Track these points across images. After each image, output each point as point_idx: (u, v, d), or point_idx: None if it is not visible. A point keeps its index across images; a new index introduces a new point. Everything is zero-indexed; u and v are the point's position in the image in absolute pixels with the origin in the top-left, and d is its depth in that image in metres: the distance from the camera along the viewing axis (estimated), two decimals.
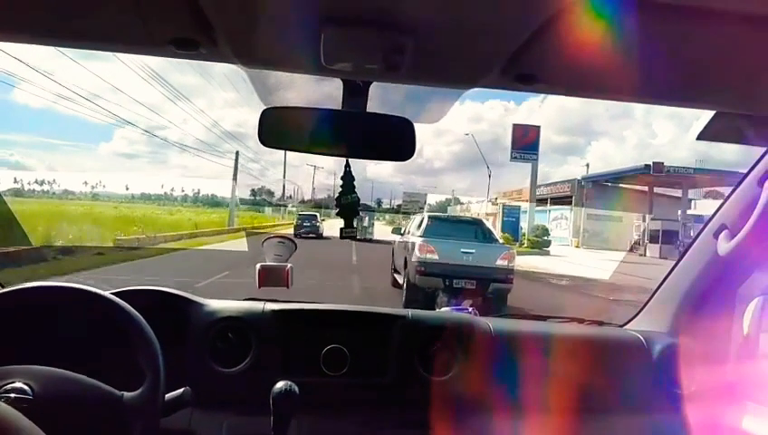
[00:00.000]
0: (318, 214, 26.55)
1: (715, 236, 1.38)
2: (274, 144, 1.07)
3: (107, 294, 1.06)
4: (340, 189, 1.23)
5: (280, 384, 1.11)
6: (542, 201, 28.19)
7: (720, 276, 1.45)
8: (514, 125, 26.56)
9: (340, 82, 1.03)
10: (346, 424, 1.38)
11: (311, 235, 21.79)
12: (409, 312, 1.50)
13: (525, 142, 25.44)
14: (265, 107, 1.05)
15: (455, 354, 1.44)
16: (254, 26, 0.79)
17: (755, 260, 1.37)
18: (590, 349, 1.52)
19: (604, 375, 1.48)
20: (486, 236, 9.30)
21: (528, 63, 0.83)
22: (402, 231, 10.73)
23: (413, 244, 8.52)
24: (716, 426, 1.43)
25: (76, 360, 1.00)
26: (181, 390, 1.08)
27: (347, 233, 1.23)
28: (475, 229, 9.51)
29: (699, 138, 1.20)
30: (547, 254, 20.54)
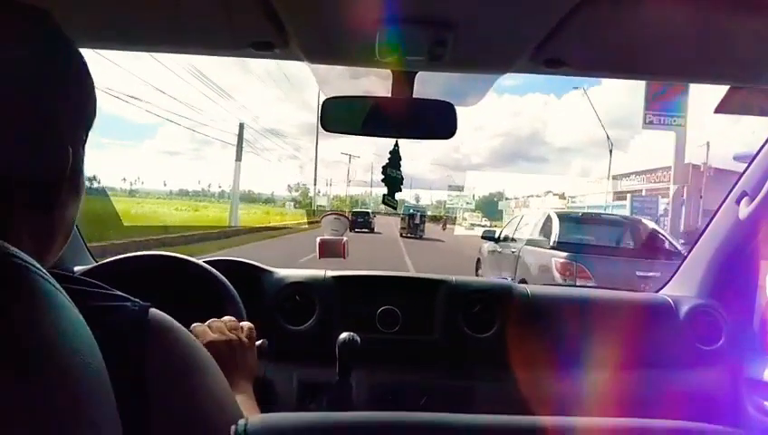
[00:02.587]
0: (370, 211, 29.12)
1: (737, 202, 1.48)
2: (334, 129, 1.23)
3: (202, 262, 1.24)
4: (387, 161, 1.38)
5: (344, 335, 1.28)
6: (632, 192, 20.77)
7: (742, 240, 1.55)
8: None
9: (390, 72, 1.19)
10: (399, 374, 1.53)
11: (364, 229, 25.03)
12: (453, 277, 1.65)
13: (665, 100, 17.10)
14: (325, 97, 1.23)
15: (495, 314, 1.58)
16: (320, 30, 0.96)
17: None
18: (621, 310, 1.63)
19: (635, 334, 1.58)
20: (660, 249, 5.59)
21: (554, 49, 0.96)
22: (497, 235, 7.49)
23: (542, 261, 5.53)
24: (740, 379, 1.53)
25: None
26: (260, 341, 1.26)
27: (388, 201, 1.36)
28: (636, 236, 5.98)
29: (717, 111, 1.31)
30: None
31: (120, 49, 1.12)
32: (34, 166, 0.47)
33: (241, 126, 24.30)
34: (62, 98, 0.50)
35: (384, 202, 1.31)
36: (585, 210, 13.84)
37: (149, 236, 11.96)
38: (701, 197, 16.16)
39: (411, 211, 25.20)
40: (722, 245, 1.60)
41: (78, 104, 0.53)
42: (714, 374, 1.57)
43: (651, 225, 6.34)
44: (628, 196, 19.21)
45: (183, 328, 0.55)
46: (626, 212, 16.04)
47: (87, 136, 0.55)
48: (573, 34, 0.89)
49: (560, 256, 5.21)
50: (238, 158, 23.42)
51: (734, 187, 1.54)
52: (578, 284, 4.85)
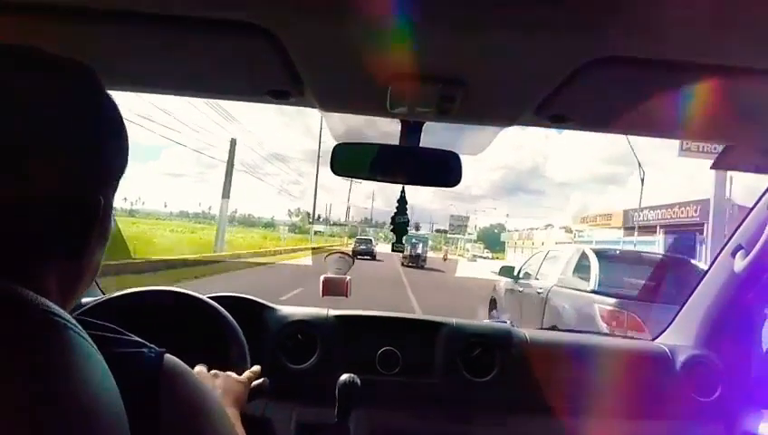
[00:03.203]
0: (372, 238, 30.56)
1: (732, 255, 1.51)
2: (344, 173, 1.27)
3: (208, 299, 1.24)
4: (396, 211, 1.43)
5: (344, 376, 1.28)
6: (647, 229, 19.86)
7: (738, 292, 1.58)
8: None
9: (399, 121, 1.24)
10: (397, 417, 1.53)
11: (366, 256, 25.62)
12: (453, 320, 1.67)
13: None
14: (337, 142, 1.27)
15: (494, 359, 1.59)
16: (335, 81, 1.00)
17: None
18: (619, 359, 1.64)
19: (632, 383, 1.60)
20: None
21: (558, 106, 1.01)
22: (518, 272, 6.50)
23: (579, 306, 4.48)
24: (735, 432, 1.53)
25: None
26: (261, 380, 1.26)
27: (396, 247, 1.40)
28: (687, 280, 4.15)
29: (713, 167, 1.35)
30: None
31: (142, 91, 1.16)
32: (67, 215, 0.50)
33: (232, 142, 21.23)
34: (99, 149, 0.53)
35: (393, 250, 1.35)
36: (594, 245, 11.57)
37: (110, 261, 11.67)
38: (725, 235, 14.44)
39: (413, 241, 24.92)
40: (718, 296, 1.63)
41: (112, 155, 0.55)
42: (710, 426, 1.57)
43: (702, 266, 5.08)
44: (661, 231, 17.51)
45: (193, 372, 0.58)
46: (656, 249, 14.86)
47: (118, 183, 0.58)
48: (576, 93, 0.93)
49: (606, 303, 4.19)
50: (225, 195, 20.74)
51: (729, 239, 1.58)
52: (628, 335, 3.68)
